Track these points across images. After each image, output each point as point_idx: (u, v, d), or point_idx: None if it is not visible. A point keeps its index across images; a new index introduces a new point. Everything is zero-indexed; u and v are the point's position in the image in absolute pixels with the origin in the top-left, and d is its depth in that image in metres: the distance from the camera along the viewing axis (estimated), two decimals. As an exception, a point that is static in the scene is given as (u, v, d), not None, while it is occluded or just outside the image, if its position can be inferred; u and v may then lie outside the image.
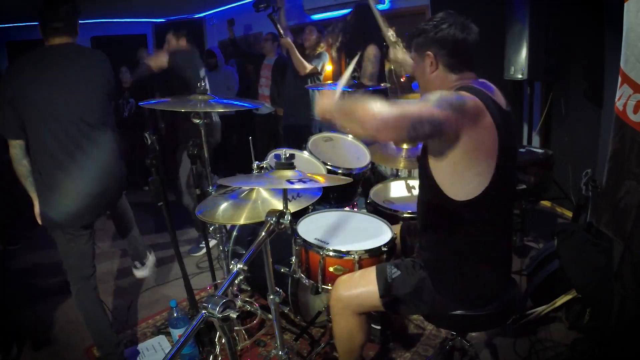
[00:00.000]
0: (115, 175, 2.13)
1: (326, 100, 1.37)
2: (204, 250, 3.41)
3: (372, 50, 3.28)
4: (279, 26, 3.89)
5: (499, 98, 1.46)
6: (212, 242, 3.34)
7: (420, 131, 1.23)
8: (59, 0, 1.97)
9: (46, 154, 1.93)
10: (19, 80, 1.89)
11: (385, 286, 1.56)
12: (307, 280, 1.88)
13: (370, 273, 1.62)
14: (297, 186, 1.44)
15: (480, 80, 1.50)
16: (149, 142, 1.90)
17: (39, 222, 2.03)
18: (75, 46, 2.05)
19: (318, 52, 3.90)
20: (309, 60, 3.80)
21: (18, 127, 1.91)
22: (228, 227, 2.56)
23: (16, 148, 1.94)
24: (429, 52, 1.47)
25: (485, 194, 1.36)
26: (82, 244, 2.08)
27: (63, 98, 1.93)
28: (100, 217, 2.18)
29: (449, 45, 1.43)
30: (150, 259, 2.78)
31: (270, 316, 2.28)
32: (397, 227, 2.00)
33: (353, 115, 1.26)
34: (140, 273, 2.77)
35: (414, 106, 1.24)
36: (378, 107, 1.20)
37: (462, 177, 1.37)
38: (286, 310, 2.24)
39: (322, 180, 1.55)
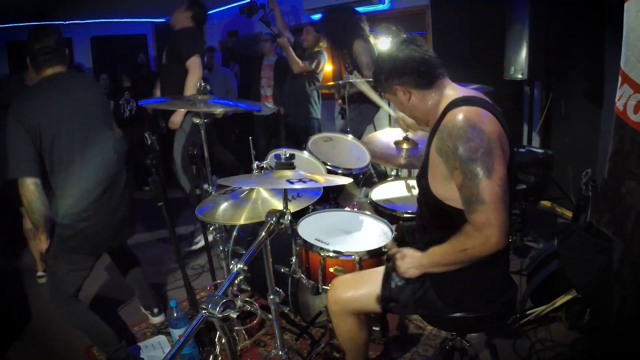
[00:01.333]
0: (130, 202, 2.18)
1: (412, 269, 1.48)
2: (198, 244, 3.44)
3: (359, 44, 3.31)
4: (272, 27, 3.92)
5: (484, 96, 1.47)
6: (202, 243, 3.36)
7: (508, 200, 1.29)
8: (46, 32, 1.93)
9: (68, 185, 1.91)
10: (39, 114, 1.83)
11: (388, 290, 1.55)
12: (307, 281, 1.88)
13: (369, 275, 1.61)
14: (297, 186, 1.44)
15: (461, 85, 1.49)
16: (149, 142, 1.90)
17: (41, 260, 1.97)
18: (70, 74, 2.05)
19: (315, 50, 3.92)
20: (305, 59, 3.82)
21: (38, 165, 1.83)
22: (228, 227, 2.56)
23: (34, 186, 1.82)
24: (396, 86, 1.46)
25: None
26: (82, 275, 2.06)
27: (77, 124, 1.92)
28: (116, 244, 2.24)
29: (409, 68, 1.42)
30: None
31: (270, 316, 2.28)
32: (397, 227, 1.99)
33: (461, 263, 1.37)
34: (157, 319, 2.59)
35: (491, 196, 1.25)
36: (491, 242, 1.27)
37: None
38: (286, 310, 2.24)
39: (322, 180, 1.55)
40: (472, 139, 1.28)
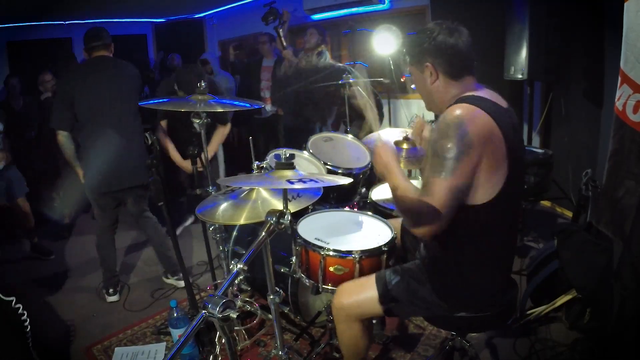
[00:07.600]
0: (138, 157, 2.67)
1: (385, 159, 1.51)
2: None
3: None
4: (282, 39, 3.94)
5: (499, 100, 1.45)
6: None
7: (461, 198, 1.32)
8: (98, 29, 2.69)
9: (91, 137, 2.58)
10: (77, 85, 2.55)
11: (385, 292, 1.55)
12: (307, 281, 1.88)
13: (370, 280, 1.61)
14: (297, 186, 1.44)
15: (479, 85, 1.48)
16: (149, 142, 1.90)
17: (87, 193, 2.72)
18: (111, 58, 2.69)
19: (318, 50, 3.93)
20: (313, 58, 3.84)
21: (70, 122, 2.58)
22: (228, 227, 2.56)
23: (64, 137, 2.59)
24: (428, 63, 1.45)
25: (496, 199, 1.35)
26: (108, 212, 2.78)
27: (108, 96, 2.57)
28: (124, 188, 2.68)
29: (446, 53, 1.42)
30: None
31: (270, 316, 2.28)
32: (397, 227, 1.99)
33: (406, 211, 1.41)
34: (170, 281, 3.04)
35: (438, 195, 1.28)
36: (422, 230, 1.32)
37: (474, 187, 1.34)
38: (286, 310, 2.24)
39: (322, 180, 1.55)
40: (451, 137, 1.29)
